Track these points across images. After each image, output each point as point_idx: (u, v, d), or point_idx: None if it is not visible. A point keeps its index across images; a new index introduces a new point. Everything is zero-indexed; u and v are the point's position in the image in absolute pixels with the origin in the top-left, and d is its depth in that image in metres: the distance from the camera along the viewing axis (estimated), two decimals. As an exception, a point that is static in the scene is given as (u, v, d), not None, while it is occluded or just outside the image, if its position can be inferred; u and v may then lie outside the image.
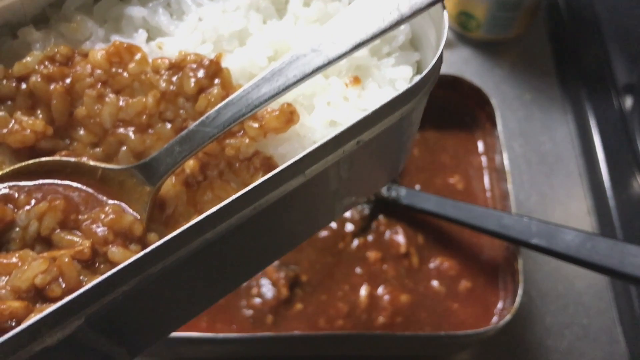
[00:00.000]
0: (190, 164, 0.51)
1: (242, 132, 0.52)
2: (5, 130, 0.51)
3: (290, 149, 0.52)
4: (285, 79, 0.47)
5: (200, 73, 0.52)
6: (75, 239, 0.47)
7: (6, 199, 0.49)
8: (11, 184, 0.50)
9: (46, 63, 0.53)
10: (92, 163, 0.50)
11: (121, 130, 0.53)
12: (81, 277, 0.45)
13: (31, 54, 0.53)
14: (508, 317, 0.81)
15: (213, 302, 0.53)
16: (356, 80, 0.56)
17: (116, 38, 0.56)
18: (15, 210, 0.48)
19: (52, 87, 0.52)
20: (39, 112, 0.53)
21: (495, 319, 0.88)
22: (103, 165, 0.50)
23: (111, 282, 0.38)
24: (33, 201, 0.48)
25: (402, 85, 0.56)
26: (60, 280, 0.44)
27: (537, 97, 1.17)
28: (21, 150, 0.52)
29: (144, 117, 0.52)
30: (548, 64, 1.23)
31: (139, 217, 0.49)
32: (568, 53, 1.20)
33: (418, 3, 0.48)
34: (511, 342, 0.94)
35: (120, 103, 0.53)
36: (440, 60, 0.49)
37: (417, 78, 0.48)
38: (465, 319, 0.88)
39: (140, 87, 0.54)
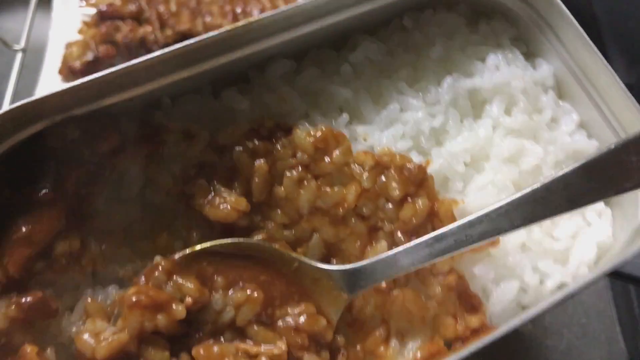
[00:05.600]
0: (386, 273, 0.50)
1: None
2: (204, 201, 0.50)
3: (484, 271, 0.51)
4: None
5: (406, 176, 0.51)
6: (271, 334, 0.47)
7: (203, 277, 0.48)
8: (209, 260, 0.49)
9: (250, 136, 0.52)
10: (293, 255, 0.49)
11: (316, 218, 0.52)
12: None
13: (237, 124, 0.52)
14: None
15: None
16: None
17: (318, 117, 0.55)
18: (212, 292, 0.48)
19: (256, 163, 0.51)
20: (235, 184, 0.52)
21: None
22: (304, 259, 0.49)
23: None
24: (230, 291, 0.48)
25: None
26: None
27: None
28: (215, 223, 0.51)
29: (341, 209, 0.51)
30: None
31: (329, 321, 0.48)
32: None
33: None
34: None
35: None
36: None
37: None
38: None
39: (339, 177, 0.52)
